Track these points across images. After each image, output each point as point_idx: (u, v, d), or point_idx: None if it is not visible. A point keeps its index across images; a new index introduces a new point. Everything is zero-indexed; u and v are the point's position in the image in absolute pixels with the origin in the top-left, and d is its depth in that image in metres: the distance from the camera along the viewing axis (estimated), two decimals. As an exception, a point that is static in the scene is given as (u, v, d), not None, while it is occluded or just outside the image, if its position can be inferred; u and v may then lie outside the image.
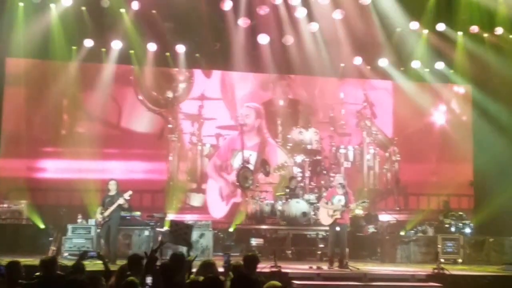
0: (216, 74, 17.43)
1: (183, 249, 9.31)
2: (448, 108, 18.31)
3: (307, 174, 15.86)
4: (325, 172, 15.94)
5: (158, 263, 6.92)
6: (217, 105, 17.23)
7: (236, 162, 15.95)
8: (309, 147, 16.17)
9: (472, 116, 17.76)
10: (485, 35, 16.56)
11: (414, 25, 16.34)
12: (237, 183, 15.57)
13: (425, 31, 16.55)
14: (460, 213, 15.46)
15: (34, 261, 7.39)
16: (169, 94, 16.93)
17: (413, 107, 17.61)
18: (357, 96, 17.76)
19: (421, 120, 18.01)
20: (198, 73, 17.30)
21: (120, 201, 12.34)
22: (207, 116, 16.87)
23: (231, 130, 16.88)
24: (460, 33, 16.58)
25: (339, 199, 11.99)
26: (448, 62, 17.23)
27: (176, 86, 17.16)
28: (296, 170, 15.84)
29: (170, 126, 16.66)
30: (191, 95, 17.17)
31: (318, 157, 16.15)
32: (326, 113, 17.42)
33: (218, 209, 16.12)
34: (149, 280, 6.31)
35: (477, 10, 15.98)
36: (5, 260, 7.39)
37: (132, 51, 16.05)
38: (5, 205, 15.06)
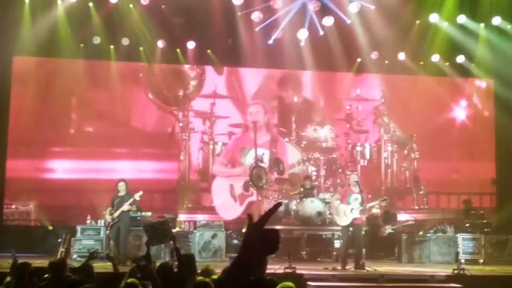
0: (228, 70, 17.55)
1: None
2: (469, 103, 18.31)
3: (322, 172, 15.96)
4: (340, 170, 16.03)
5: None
6: (230, 103, 17.35)
7: (248, 161, 16.11)
8: (324, 144, 16.25)
9: (494, 111, 17.70)
10: (509, 26, 16.48)
11: (434, 17, 16.31)
12: (250, 182, 15.65)
13: (445, 24, 16.51)
14: (481, 212, 15.46)
15: (43, 263, 7.55)
16: (180, 92, 17.08)
17: (432, 102, 17.62)
18: (374, 92, 17.77)
19: (441, 116, 18.01)
20: (209, 70, 17.42)
21: (125, 207, 12.54)
22: (219, 114, 16.91)
23: (243, 128, 16.89)
24: (481, 25, 16.53)
25: (355, 198, 12.12)
26: (469, 55, 17.18)
27: (187, 83, 17.29)
28: (311, 169, 15.94)
29: (181, 124, 16.75)
30: (202, 92, 17.30)
31: (334, 155, 16.24)
32: (342, 110, 17.47)
33: (231, 210, 16.08)
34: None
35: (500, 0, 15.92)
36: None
37: (141, 48, 16.19)
38: (13, 206, 15.32)
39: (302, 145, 16.38)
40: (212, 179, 16.18)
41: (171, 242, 9.01)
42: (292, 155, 16.44)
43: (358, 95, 17.41)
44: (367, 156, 16.71)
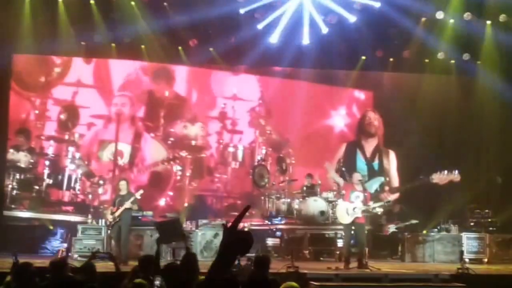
0: (97, 61, 16.68)
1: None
2: (348, 112, 18.11)
3: (188, 173, 15.77)
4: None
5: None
6: (95, 93, 16.61)
7: (105, 155, 15.51)
8: (193, 143, 15.92)
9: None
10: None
11: (439, 14, 16.19)
12: (253, 182, 15.66)
13: (451, 21, 16.42)
14: (486, 211, 15.45)
15: (44, 262, 7.59)
16: (42, 78, 16.26)
17: (312, 108, 17.37)
18: (253, 92, 17.42)
19: (319, 122, 17.77)
20: (77, 59, 16.49)
21: (127, 205, 12.57)
22: (80, 103, 16.21)
23: (106, 120, 16.31)
24: (488, 22, 16.43)
25: (357, 195, 12.18)
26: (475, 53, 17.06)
27: (51, 69, 16.47)
28: (176, 168, 15.65)
29: (36, 112, 16.02)
30: (66, 80, 16.45)
31: (203, 155, 16.00)
32: (217, 108, 17.02)
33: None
34: (157, 281, 6.48)
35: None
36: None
37: (143, 46, 16.12)
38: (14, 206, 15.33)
39: (169, 142, 15.96)
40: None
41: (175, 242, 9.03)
42: (156, 152, 15.88)
43: (234, 95, 17.08)
44: (239, 158, 16.37)
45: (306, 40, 15.14)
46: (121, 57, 16.30)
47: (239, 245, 3.30)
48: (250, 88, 17.59)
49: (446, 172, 14.45)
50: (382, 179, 16.66)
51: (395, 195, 16.63)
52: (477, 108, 17.87)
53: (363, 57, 17.06)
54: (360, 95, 18.60)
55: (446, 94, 17.54)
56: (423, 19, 16.21)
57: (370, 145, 17.84)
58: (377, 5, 14.90)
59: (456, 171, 14.48)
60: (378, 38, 16.13)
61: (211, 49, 15.87)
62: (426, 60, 17.25)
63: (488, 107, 17.83)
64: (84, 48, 15.75)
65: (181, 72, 17.30)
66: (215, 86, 17.52)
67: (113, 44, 15.93)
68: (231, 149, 16.44)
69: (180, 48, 16.27)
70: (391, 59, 17.28)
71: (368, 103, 18.36)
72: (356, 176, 12.59)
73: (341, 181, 13.02)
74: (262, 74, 17.58)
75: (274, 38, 14.96)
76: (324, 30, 14.92)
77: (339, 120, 18.18)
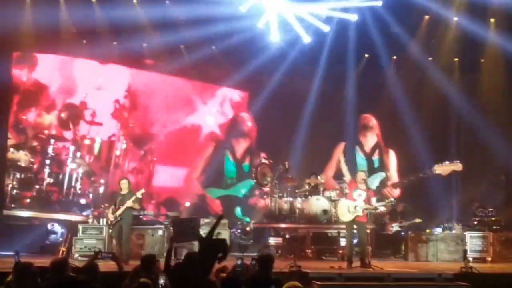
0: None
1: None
2: (220, 110, 18.24)
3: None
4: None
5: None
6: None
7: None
8: (46, 132, 15.74)
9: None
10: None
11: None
12: (255, 180, 15.65)
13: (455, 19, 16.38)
14: (490, 209, 15.43)
15: (45, 262, 7.56)
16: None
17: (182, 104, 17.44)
18: (121, 83, 17.19)
19: (188, 119, 17.85)
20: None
21: (128, 204, 12.54)
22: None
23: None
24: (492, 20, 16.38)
25: (359, 194, 12.18)
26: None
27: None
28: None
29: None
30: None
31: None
32: (79, 97, 16.67)
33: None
34: (162, 280, 6.48)
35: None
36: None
37: (144, 44, 16.09)
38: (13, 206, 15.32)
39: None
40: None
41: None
42: None
43: (100, 85, 16.76)
44: (95, 151, 16.26)
45: (307, 39, 15.15)
46: (121, 56, 16.28)
47: (214, 253, 3.80)
48: (119, 78, 17.24)
49: (447, 162, 14.54)
50: (383, 174, 16.78)
51: (398, 190, 16.67)
52: (481, 108, 17.88)
53: (366, 55, 17.12)
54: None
55: (449, 93, 17.55)
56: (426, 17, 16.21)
57: (369, 142, 17.91)
58: (379, 4, 14.92)
59: (457, 160, 14.56)
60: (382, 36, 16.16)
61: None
62: (430, 58, 17.29)
63: (491, 106, 17.85)
64: (86, 46, 15.77)
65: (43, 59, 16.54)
66: (79, 74, 16.97)
67: (114, 43, 15.94)
68: (86, 142, 16.35)
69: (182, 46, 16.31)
70: (394, 57, 17.33)
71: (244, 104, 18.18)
72: (360, 175, 12.57)
73: (348, 175, 13.05)
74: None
75: (275, 37, 14.99)
76: (326, 29, 14.93)
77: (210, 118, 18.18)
